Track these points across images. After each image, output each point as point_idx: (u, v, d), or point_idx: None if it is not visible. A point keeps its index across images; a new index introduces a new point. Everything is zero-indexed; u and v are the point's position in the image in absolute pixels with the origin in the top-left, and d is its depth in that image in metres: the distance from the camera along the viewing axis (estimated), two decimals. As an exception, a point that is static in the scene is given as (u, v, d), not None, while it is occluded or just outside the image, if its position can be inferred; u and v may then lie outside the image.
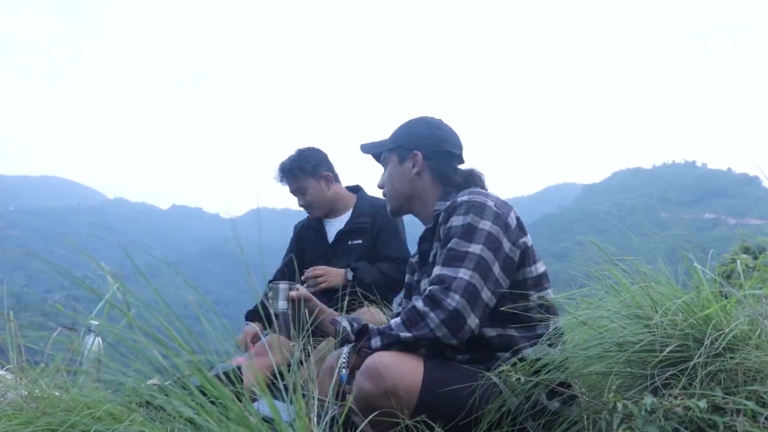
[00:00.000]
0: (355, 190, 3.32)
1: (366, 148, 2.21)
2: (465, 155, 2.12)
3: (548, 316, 1.85)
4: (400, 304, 2.20)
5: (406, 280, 2.16)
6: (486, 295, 1.74)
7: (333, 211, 3.24)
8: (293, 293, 2.10)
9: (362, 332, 1.81)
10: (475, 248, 1.76)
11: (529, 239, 1.90)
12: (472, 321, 1.72)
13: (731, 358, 1.47)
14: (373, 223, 3.15)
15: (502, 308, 1.79)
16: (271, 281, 3.24)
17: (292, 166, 3.18)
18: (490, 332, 1.81)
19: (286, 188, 3.22)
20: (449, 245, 1.79)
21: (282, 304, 2.09)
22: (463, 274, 1.73)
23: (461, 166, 2.10)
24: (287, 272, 3.22)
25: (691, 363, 1.47)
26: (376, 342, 1.75)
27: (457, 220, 1.83)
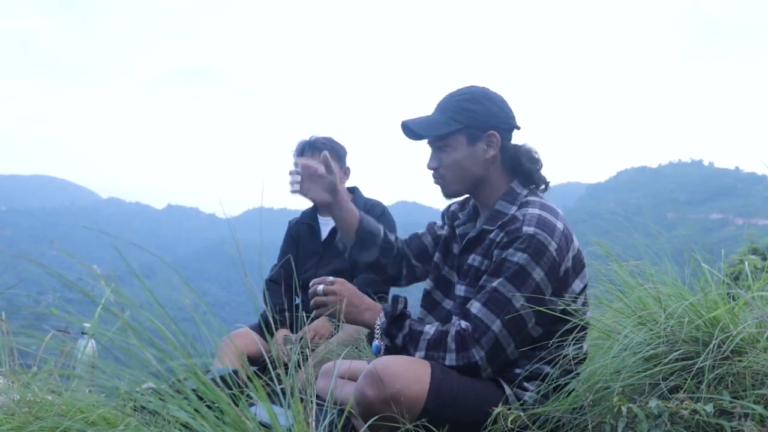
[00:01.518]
0: (352, 191, 3.33)
1: (417, 128, 1.92)
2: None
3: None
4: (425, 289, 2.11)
5: (435, 259, 2.09)
6: (510, 349, 1.74)
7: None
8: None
9: (399, 317, 1.82)
10: (518, 301, 1.72)
11: (585, 275, 1.84)
12: (486, 373, 1.75)
13: (739, 361, 1.47)
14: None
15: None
16: (268, 279, 3.25)
17: (325, 142, 3.19)
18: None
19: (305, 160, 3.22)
20: (497, 284, 1.74)
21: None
22: (496, 327, 1.71)
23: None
24: (284, 272, 3.21)
25: (698, 366, 1.47)
26: (398, 340, 1.79)
27: (513, 255, 1.74)
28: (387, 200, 3.39)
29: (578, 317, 1.74)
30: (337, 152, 3.22)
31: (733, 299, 1.64)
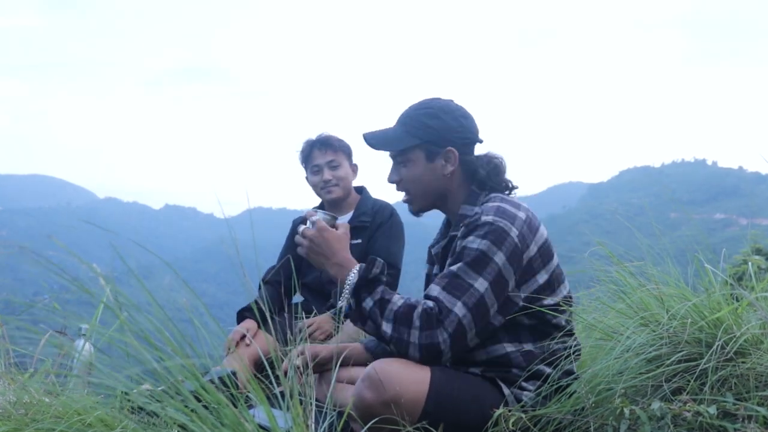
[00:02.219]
0: (359, 190, 3.32)
1: (375, 142, 1.96)
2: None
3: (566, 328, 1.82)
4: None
5: (425, 271, 2.12)
6: (471, 335, 1.72)
7: (339, 207, 3.24)
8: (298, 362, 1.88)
9: (373, 280, 1.81)
10: (481, 285, 1.71)
11: (554, 261, 1.84)
12: (447, 358, 1.72)
13: (742, 362, 1.47)
14: (373, 221, 3.16)
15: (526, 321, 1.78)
16: (264, 281, 3.22)
17: (337, 140, 3.18)
18: (509, 347, 1.79)
19: (318, 158, 3.15)
20: (457, 268, 1.75)
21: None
22: (459, 310, 1.70)
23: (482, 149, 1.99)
24: (283, 272, 3.19)
25: (701, 368, 1.47)
26: (366, 303, 1.78)
27: (473, 242, 1.75)
28: (390, 199, 3.36)
29: (562, 294, 1.78)
30: (346, 150, 3.21)
31: (737, 300, 1.65)
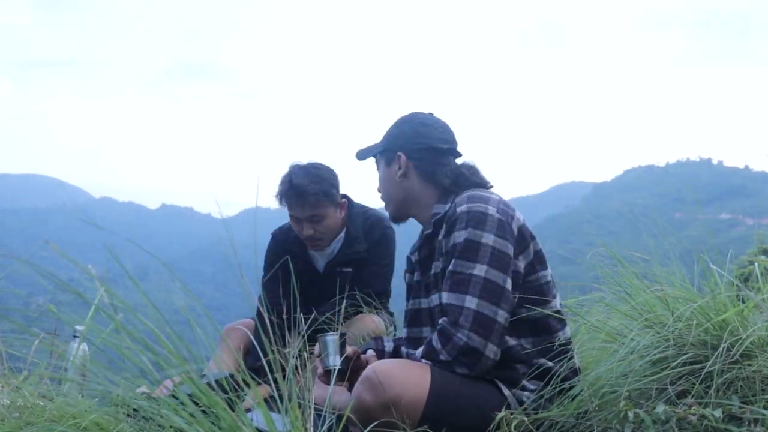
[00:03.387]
0: (345, 200, 3.02)
1: (360, 155, 2.17)
2: (461, 148, 2.07)
3: (562, 322, 1.84)
4: (406, 308, 2.15)
5: (405, 280, 2.14)
6: (501, 317, 1.73)
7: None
8: (350, 352, 1.91)
9: (394, 352, 1.95)
10: (480, 270, 1.75)
11: (538, 242, 1.89)
12: (490, 351, 1.72)
13: (748, 365, 1.47)
14: (368, 248, 2.96)
15: (520, 316, 1.79)
16: (264, 287, 3.16)
17: (315, 189, 2.80)
18: (510, 341, 1.80)
19: (295, 210, 2.86)
20: (452, 267, 1.79)
21: (334, 359, 1.88)
22: (470, 302, 1.72)
23: (459, 160, 2.06)
24: (273, 302, 2.78)
25: (707, 370, 1.47)
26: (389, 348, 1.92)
27: (459, 236, 1.80)
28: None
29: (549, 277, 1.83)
30: (329, 194, 2.86)
31: (743, 302, 1.64)
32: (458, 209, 1.84)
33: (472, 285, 1.74)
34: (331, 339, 1.89)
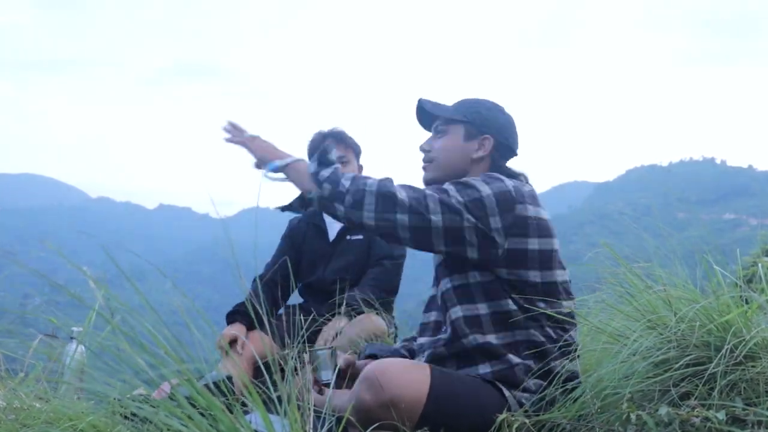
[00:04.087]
0: None
1: (428, 106, 2.09)
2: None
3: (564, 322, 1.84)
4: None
5: (432, 293, 2.11)
6: (455, 203, 1.77)
7: None
8: (342, 363, 1.94)
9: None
10: (452, 190, 1.79)
11: (553, 243, 1.87)
12: (434, 208, 1.77)
13: (752, 366, 1.47)
14: None
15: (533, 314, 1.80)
16: (260, 277, 3.19)
17: (346, 135, 3.20)
18: (495, 340, 1.81)
19: (339, 153, 3.13)
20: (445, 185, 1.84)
21: (326, 374, 1.92)
22: (442, 188, 1.80)
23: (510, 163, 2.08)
24: (280, 272, 3.17)
25: (710, 372, 1.47)
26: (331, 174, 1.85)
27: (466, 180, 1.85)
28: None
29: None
30: (356, 148, 3.23)
31: (747, 302, 1.64)
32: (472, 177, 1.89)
33: (443, 193, 1.79)
34: (322, 354, 1.90)
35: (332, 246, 3.21)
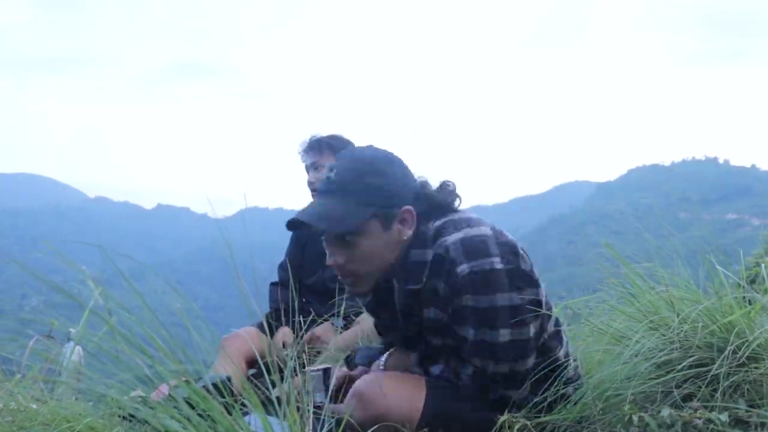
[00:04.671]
0: None
1: (324, 222, 1.72)
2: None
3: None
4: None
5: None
6: (532, 332, 1.67)
7: None
8: (334, 382, 1.86)
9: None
10: (504, 336, 1.63)
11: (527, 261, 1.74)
12: (527, 365, 1.68)
13: (755, 368, 1.47)
14: None
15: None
16: (273, 284, 3.26)
17: (333, 141, 3.20)
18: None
19: (318, 156, 3.18)
20: (470, 303, 1.63)
21: (320, 396, 1.87)
22: (503, 336, 1.62)
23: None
24: (291, 271, 3.24)
25: (713, 373, 1.47)
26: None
27: (468, 301, 1.63)
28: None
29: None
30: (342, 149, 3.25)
31: (750, 303, 1.64)
32: (458, 270, 1.62)
33: (500, 318, 1.62)
34: (315, 375, 1.89)
35: None
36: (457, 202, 1.80)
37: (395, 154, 1.77)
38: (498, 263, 1.62)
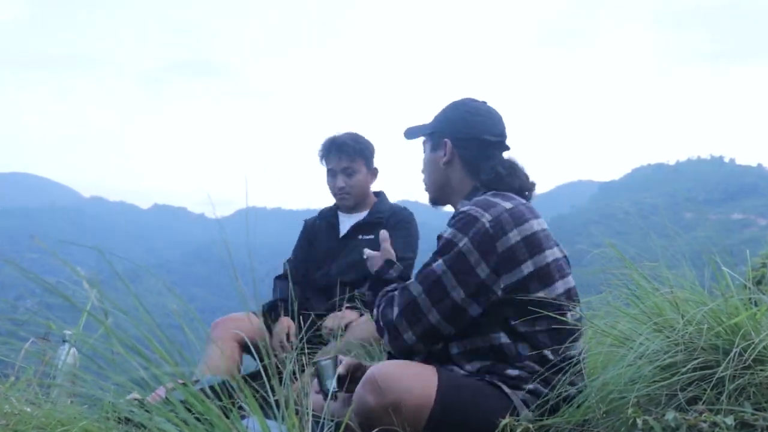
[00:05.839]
0: (377, 194, 3.40)
1: (407, 134, 2.21)
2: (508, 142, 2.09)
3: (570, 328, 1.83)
4: None
5: None
6: (434, 317, 1.81)
7: (354, 209, 3.33)
8: (342, 370, 1.95)
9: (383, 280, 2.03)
10: (438, 266, 1.83)
11: (547, 256, 1.85)
12: (408, 337, 1.83)
13: (761, 370, 1.47)
14: (388, 219, 3.24)
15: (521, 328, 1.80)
16: (277, 277, 3.27)
17: (355, 144, 3.25)
18: (503, 339, 1.81)
19: (333, 162, 3.25)
20: (429, 259, 1.89)
21: (330, 384, 1.94)
22: (413, 288, 1.85)
23: (506, 154, 2.07)
24: (298, 267, 3.28)
25: (718, 376, 1.47)
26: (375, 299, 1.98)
27: (445, 232, 1.88)
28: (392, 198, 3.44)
29: (556, 291, 1.83)
30: (364, 154, 3.27)
31: (756, 305, 1.64)
32: (461, 208, 1.90)
33: (424, 275, 1.84)
34: (326, 364, 1.93)
35: (342, 243, 3.27)
36: (521, 187, 2.01)
37: (482, 107, 2.07)
38: (486, 220, 1.83)
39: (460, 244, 1.81)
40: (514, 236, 1.81)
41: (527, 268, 1.81)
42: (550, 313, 1.79)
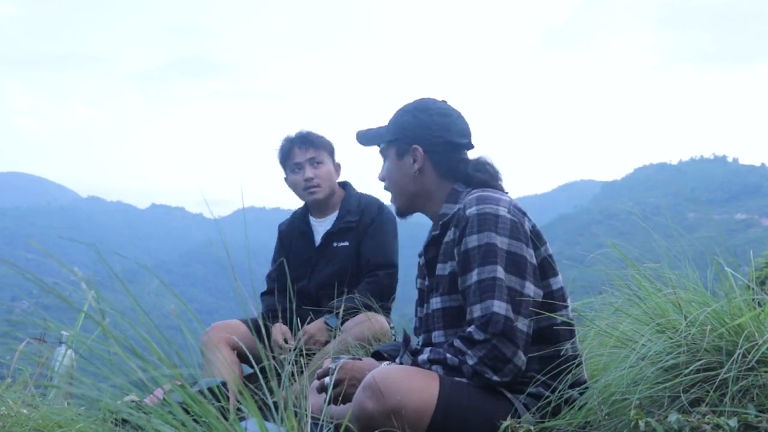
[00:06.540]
0: (343, 185, 3.35)
1: (363, 139, 2.11)
2: (475, 142, 2.05)
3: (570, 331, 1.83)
4: (416, 315, 2.14)
5: (417, 285, 2.11)
6: (522, 324, 1.72)
7: (324, 207, 3.27)
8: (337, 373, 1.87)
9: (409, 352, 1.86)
10: (501, 273, 1.74)
11: (548, 248, 1.88)
12: (518, 359, 1.71)
13: (765, 372, 1.47)
14: (360, 221, 3.19)
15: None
16: (263, 294, 3.29)
17: (318, 137, 3.23)
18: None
19: (298, 156, 3.20)
20: (475, 275, 1.76)
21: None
22: (497, 308, 1.70)
23: (470, 153, 2.04)
24: (280, 278, 3.26)
25: (721, 377, 1.47)
26: (423, 357, 1.80)
27: (470, 242, 1.79)
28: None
29: (559, 285, 1.85)
30: (328, 146, 3.25)
31: (759, 305, 1.64)
32: (468, 212, 1.82)
33: (497, 290, 1.72)
34: (334, 368, 1.90)
35: (318, 252, 3.23)
36: (497, 183, 1.98)
37: (449, 109, 2.01)
38: (504, 211, 1.80)
39: (500, 244, 1.76)
40: (528, 224, 1.85)
41: (545, 251, 1.86)
42: (550, 314, 1.79)
